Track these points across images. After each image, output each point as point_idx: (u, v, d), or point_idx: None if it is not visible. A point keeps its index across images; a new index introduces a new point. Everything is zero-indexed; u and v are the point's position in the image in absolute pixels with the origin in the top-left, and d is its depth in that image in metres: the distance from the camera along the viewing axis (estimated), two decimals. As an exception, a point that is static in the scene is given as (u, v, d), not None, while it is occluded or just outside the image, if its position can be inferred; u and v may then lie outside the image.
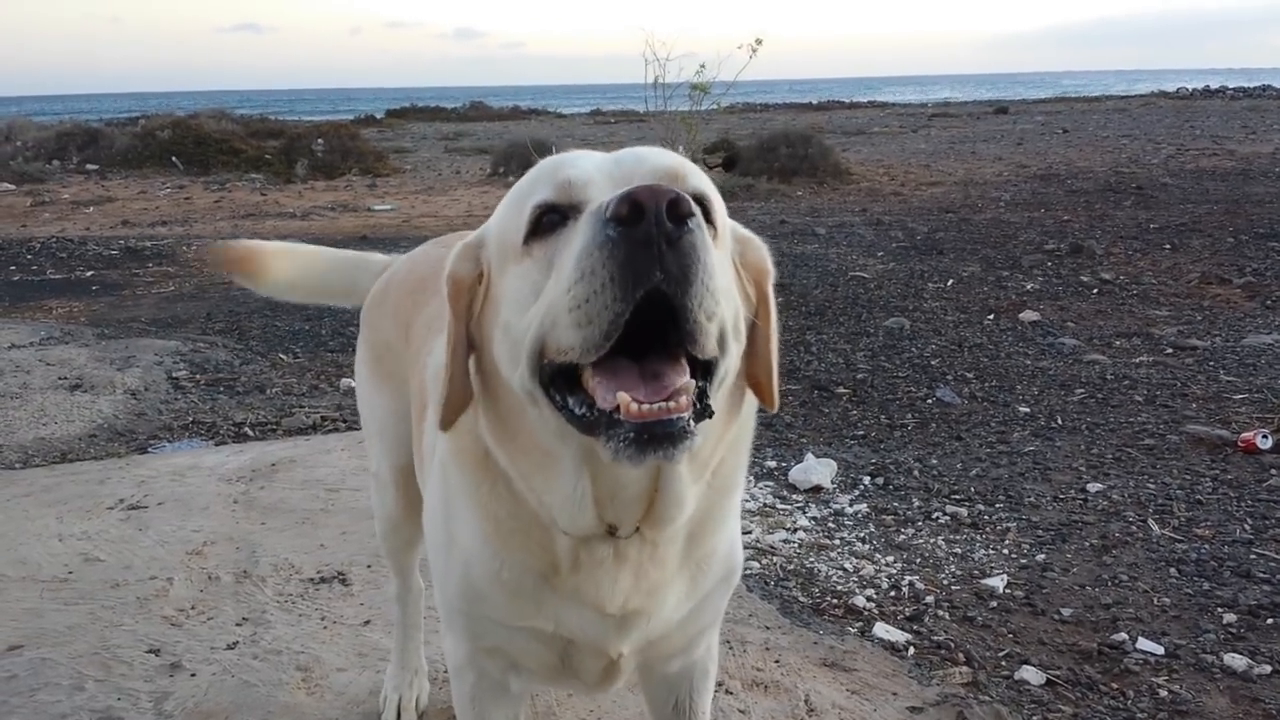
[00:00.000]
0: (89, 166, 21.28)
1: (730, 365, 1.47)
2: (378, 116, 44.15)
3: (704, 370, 1.39)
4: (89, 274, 10.44)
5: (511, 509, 1.63)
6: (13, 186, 18.35)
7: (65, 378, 6.39)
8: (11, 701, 2.83)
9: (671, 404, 1.31)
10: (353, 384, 3.41)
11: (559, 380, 1.40)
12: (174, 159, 21.27)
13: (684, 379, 1.34)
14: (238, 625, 3.24)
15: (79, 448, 5.20)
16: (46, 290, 9.63)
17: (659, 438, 1.30)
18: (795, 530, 4.14)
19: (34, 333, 7.69)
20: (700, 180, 1.52)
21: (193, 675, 2.95)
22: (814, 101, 57.78)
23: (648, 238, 1.27)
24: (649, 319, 1.31)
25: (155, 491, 4.36)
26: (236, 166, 20.84)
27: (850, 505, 4.40)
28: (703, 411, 1.37)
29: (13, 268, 10.77)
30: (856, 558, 3.89)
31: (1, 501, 4.25)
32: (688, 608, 1.77)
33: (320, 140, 22.56)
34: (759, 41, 17.50)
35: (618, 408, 1.30)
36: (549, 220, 1.47)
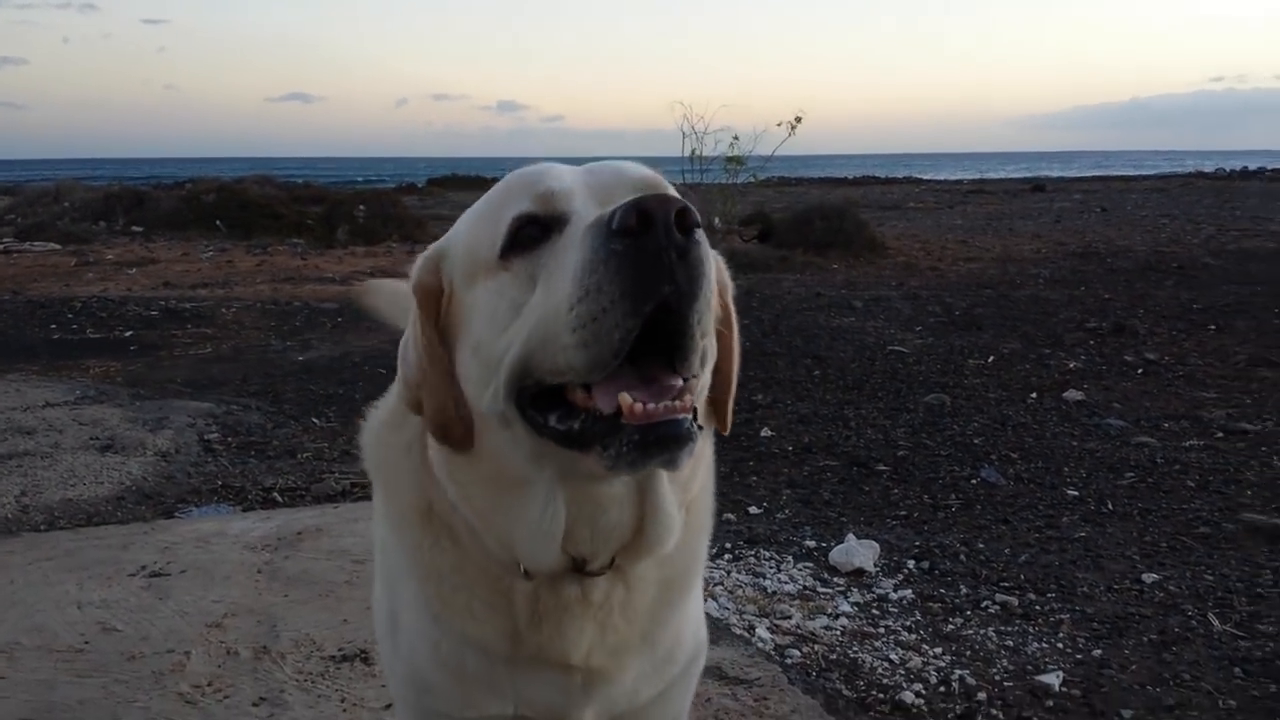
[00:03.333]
0: (134, 228, 21.60)
1: (705, 382, 1.45)
2: (419, 185, 44.79)
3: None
4: (128, 334, 10.49)
5: (456, 562, 1.53)
6: (59, 246, 18.63)
7: (97, 438, 6.35)
8: (16, 782, 2.71)
9: (677, 403, 1.25)
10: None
11: (538, 399, 1.34)
12: (218, 222, 21.56)
13: (680, 381, 1.29)
14: (254, 705, 3.10)
15: (105, 510, 5.12)
16: (85, 349, 9.66)
17: (664, 439, 1.24)
18: (837, 616, 3.96)
19: (69, 391, 7.69)
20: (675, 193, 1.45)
21: (206, 757, 2.82)
22: (849, 176, 58.14)
23: (658, 250, 1.21)
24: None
25: (178, 558, 4.26)
26: (279, 231, 21.09)
27: (895, 590, 4.22)
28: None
29: (53, 326, 10.85)
30: (903, 648, 3.71)
31: (23, 565, 4.17)
32: (656, 687, 1.66)
33: (362, 206, 22.81)
34: (798, 119, 17.60)
35: (618, 412, 1.24)
36: (529, 233, 1.39)
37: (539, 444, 1.36)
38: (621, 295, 1.21)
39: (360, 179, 58.53)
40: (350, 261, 17.37)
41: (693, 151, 19.96)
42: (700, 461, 1.54)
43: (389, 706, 3.12)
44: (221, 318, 11.41)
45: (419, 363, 1.49)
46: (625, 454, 1.24)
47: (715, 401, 1.55)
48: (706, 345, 1.32)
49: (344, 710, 3.09)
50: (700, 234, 1.25)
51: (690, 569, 1.65)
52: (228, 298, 12.94)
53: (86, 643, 3.48)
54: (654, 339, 1.26)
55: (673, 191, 1.40)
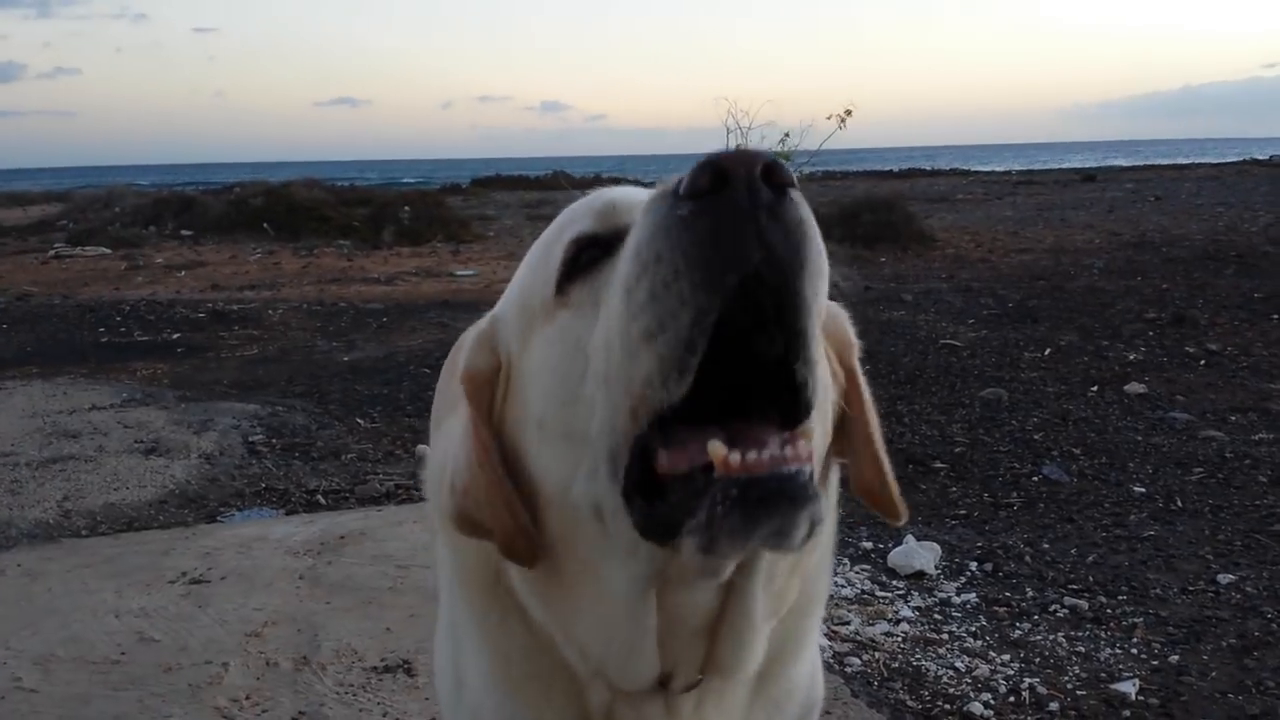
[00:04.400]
0: (183, 232, 21.79)
1: (819, 444, 1.11)
2: (463, 185, 44.94)
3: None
4: (175, 336, 10.52)
5: (526, 648, 1.24)
6: (109, 251, 18.83)
7: (141, 441, 6.32)
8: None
9: (788, 450, 0.95)
10: (427, 449, 3.21)
11: (632, 484, 1.02)
12: (266, 225, 21.70)
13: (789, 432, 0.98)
14: None
15: (147, 515, 5.07)
16: (133, 352, 9.70)
17: (772, 497, 0.93)
18: (898, 622, 3.79)
19: (116, 394, 7.70)
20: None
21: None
22: (894, 169, 57.50)
23: (739, 210, 0.93)
24: (734, 380, 0.98)
25: (219, 564, 4.19)
26: (325, 233, 21.16)
27: (958, 594, 4.04)
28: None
29: (102, 329, 10.92)
30: (969, 655, 3.54)
31: (62, 573, 4.12)
32: None
33: (407, 208, 22.85)
34: (848, 112, 17.35)
35: (709, 467, 0.95)
36: (590, 256, 1.11)
37: (634, 539, 1.04)
38: (689, 264, 0.93)
39: (409, 180, 58.87)
40: (395, 262, 17.38)
41: (738, 148, 19.81)
42: (814, 548, 1.18)
43: (432, 720, 3.02)
44: (268, 319, 11.43)
45: (469, 467, 1.17)
46: (721, 521, 0.92)
47: (867, 488, 1.24)
48: (818, 379, 1.02)
49: (386, 724, 2.99)
50: (799, 197, 0.97)
51: (800, 630, 1.35)
52: (274, 299, 12.97)
53: (123, 654, 3.41)
54: (751, 393, 1.00)
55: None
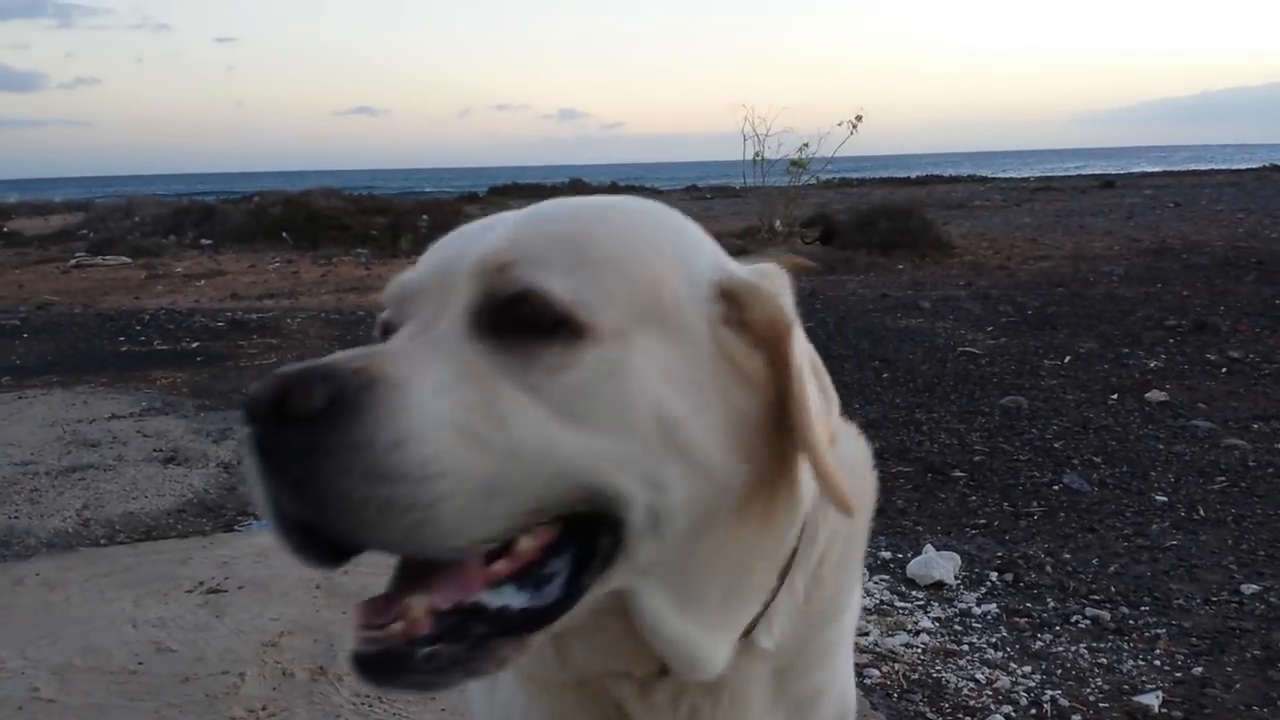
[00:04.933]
0: (203, 241, 21.92)
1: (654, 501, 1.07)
2: (480, 194, 45.05)
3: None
4: (194, 345, 10.56)
5: (546, 647, 1.23)
6: (129, 260, 18.95)
7: (160, 450, 6.34)
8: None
9: (378, 633, 1.01)
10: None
11: None
12: (285, 234, 21.80)
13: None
14: (310, 729, 3.00)
15: (165, 524, 5.09)
16: (152, 361, 9.74)
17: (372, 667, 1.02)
18: (918, 633, 3.76)
19: (135, 403, 7.73)
20: (541, 269, 1.06)
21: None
22: (911, 176, 57.36)
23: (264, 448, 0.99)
24: None
25: (236, 574, 4.19)
26: (344, 242, 21.25)
27: (978, 605, 4.01)
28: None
29: (122, 338, 10.97)
30: (989, 667, 3.50)
31: (80, 582, 4.13)
32: None
33: (425, 216, 22.94)
34: (859, 118, 17.33)
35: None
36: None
37: None
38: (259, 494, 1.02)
39: (426, 188, 59.05)
40: (412, 270, 17.44)
41: (755, 154, 19.79)
42: (742, 551, 1.17)
43: (448, 731, 3.01)
44: (287, 328, 11.46)
45: None
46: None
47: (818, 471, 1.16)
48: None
49: (402, 734, 2.98)
50: (339, 411, 0.95)
51: (819, 639, 1.34)
52: (293, 308, 13.02)
53: (140, 664, 3.41)
54: None
55: (532, 268, 1.06)
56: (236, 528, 5.08)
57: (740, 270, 1.21)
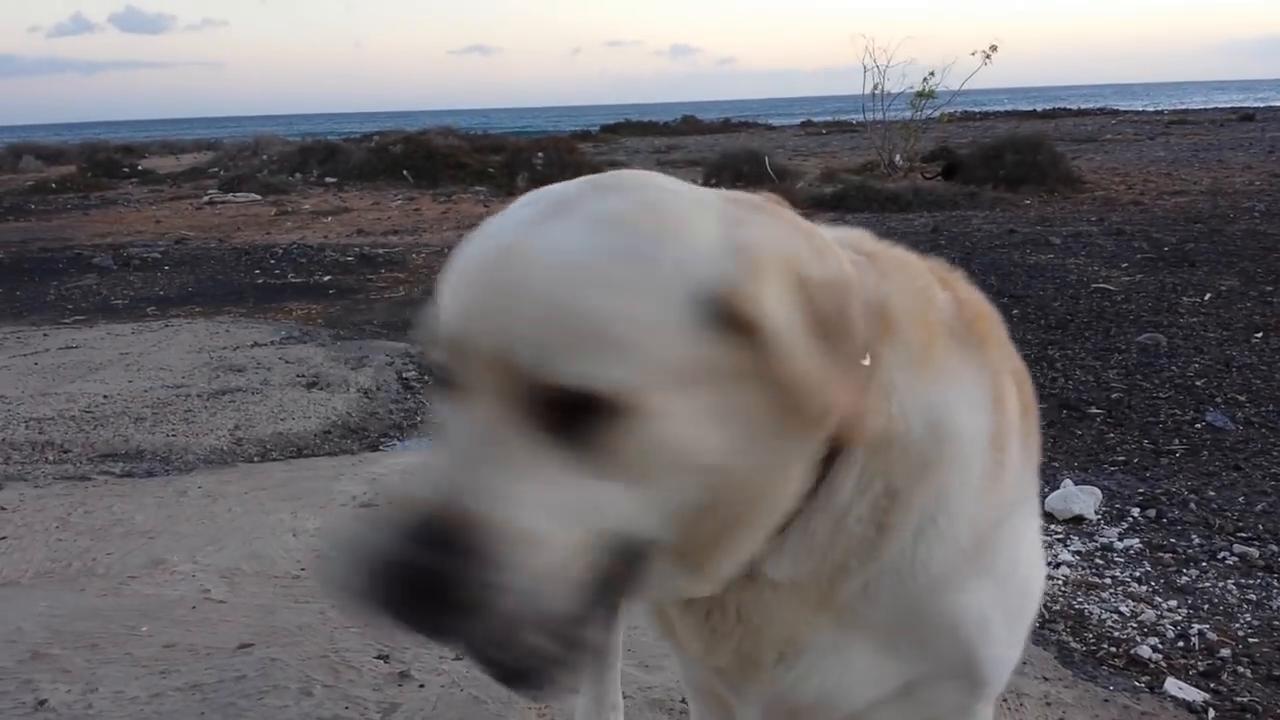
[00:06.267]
0: (328, 179, 22.46)
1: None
2: (593, 132, 45.03)
3: None
4: (326, 278, 10.90)
5: None
6: (259, 197, 19.55)
7: (303, 375, 6.60)
8: (239, 704, 2.80)
9: None
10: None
11: None
12: (405, 172, 22.19)
13: None
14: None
15: (314, 444, 5.32)
16: (287, 293, 10.09)
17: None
18: (1058, 565, 3.72)
19: (275, 332, 8.04)
20: (574, 360, 1.07)
21: (421, 686, 2.86)
22: (1038, 109, 55.26)
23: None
24: None
25: (386, 489, 4.37)
26: (462, 179, 21.54)
27: (1120, 540, 3.94)
28: None
29: (257, 271, 11.38)
30: (1133, 600, 3.46)
31: (240, 494, 4.35)
32: (884, 685, 1.36)
33: (539, 154, 23.07)
34: (994, 47, 16.73)
35: None
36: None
37: None
38: None
39: (545, 127, 59.26)
40: (530, 207, 17.60)
41: (875, 87, 19.32)
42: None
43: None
44: (412, 262, 11.73)
45: None
46: None
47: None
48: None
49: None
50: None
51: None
52: (417, 244, 13.30)
53: (303, 569, 3.60)
54: None
55: (557, 363, 1.06)
56: (381, 447, 5.28)
57: (739, 264, 1.13)
